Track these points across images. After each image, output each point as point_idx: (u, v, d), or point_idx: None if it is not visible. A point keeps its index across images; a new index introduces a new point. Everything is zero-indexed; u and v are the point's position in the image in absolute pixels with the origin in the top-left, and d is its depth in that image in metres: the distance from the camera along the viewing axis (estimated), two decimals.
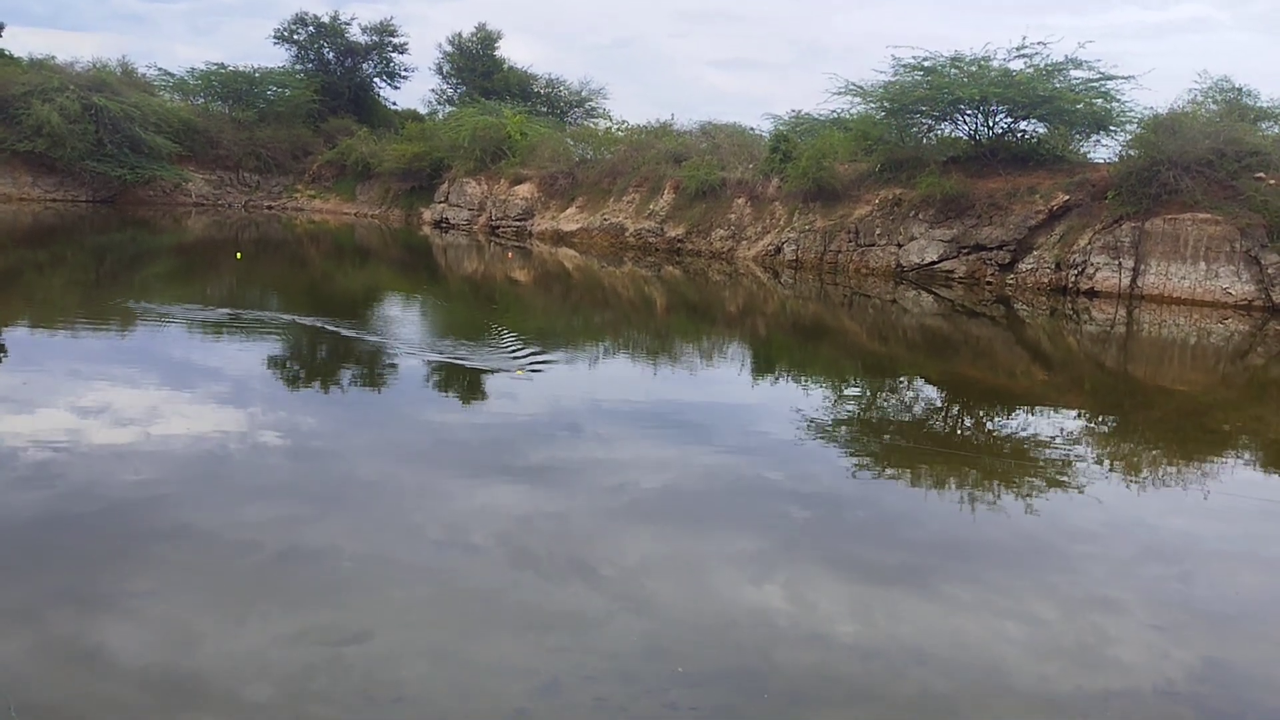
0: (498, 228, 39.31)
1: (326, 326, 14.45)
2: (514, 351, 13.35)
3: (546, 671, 4.83)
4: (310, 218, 43.31)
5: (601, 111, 50.17)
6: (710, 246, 33.12)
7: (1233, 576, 6.70)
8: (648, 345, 16.50)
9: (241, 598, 5.43)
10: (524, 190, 39.51)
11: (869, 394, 13.29)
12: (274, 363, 12.46)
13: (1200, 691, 5.06)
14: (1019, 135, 30.09)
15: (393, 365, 12.57)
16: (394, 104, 53.29)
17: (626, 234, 35.22)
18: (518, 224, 38.94)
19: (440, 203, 42.00)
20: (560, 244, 35.81)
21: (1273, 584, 6.67)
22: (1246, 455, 10.82)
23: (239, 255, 26.29)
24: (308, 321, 15.26)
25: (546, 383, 11.81)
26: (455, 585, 5.74)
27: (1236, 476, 9.67)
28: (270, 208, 45.72)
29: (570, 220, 37.36)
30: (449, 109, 49.43)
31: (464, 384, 11.75)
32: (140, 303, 16.71)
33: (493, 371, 12.07)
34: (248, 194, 46.34)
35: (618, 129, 42.17)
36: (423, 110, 52.24)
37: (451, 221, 40.97)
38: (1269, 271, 24.06)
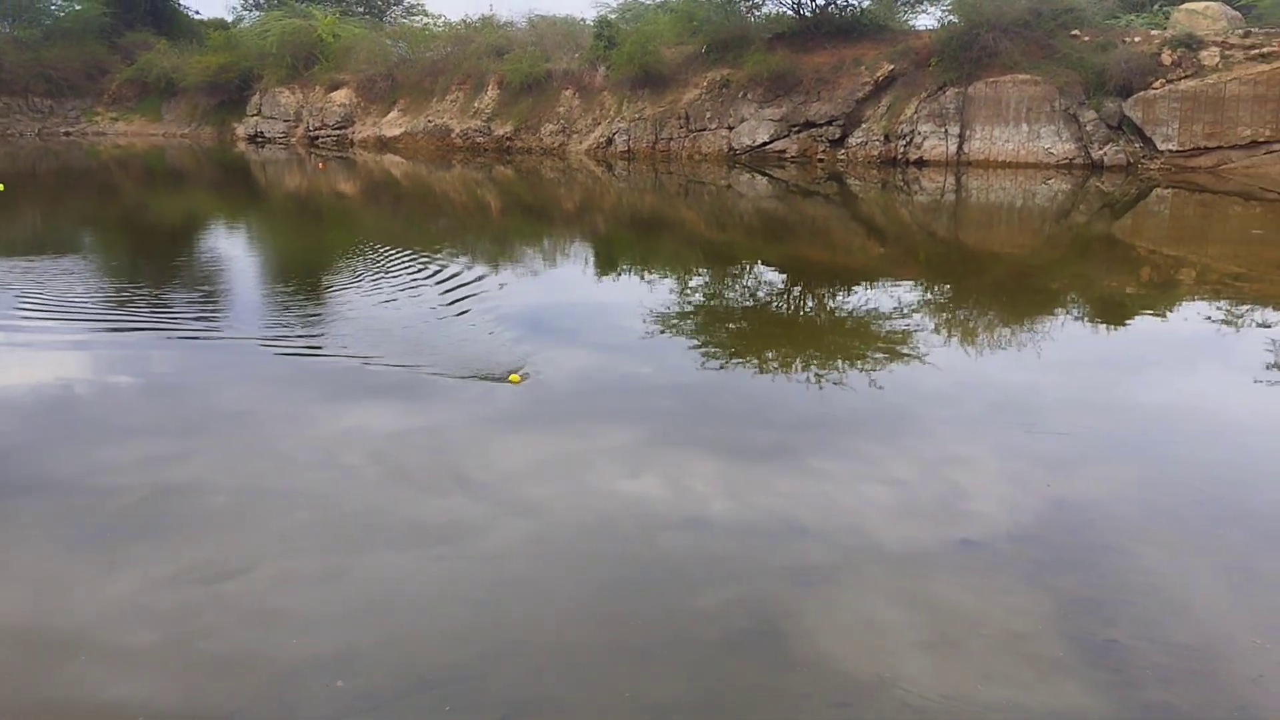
0: (317, 138, 37.92)
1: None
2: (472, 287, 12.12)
3: (436, 583, 4.86)
4: (115, 142, 40.83)
5: (420, 8, 48.48)
6: (540, 143, 32.72)
7: (1072, 424, 7.17)
8: (488, 251, 16.30)
9: (110, 544, 5.25)
10: (341, 96, 38.10)
11: (716, 283, 13.50)
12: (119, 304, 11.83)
13: (1049, 533, 5.44)
14: (843, 7, 30.45)
15: (239, 292, 12.10)
16: (197, 12, 50.18)
17: (453, 135, 34.46)
18: (337, 133, 37.62)
19: (253, 116, 40.17)
20: (384, 151, 34.82)
21: (1107, 426, 7.16)
22: (1074, 310, 11.48)
23: (0, 187, 23.49)
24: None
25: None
26: (333, 508, 5.67)
27: (1067, 331, 10.29)
28: (68, 134, 42.89)
29: (393, 125, 36.30)
30: (256, 14, 46.88)
31: (311, 306, 11.42)
32: None
33: (481, 379, 8.30)
34: (40, 121, 43.29)
35: (435, 24, 40.88)
36: (229, 18, 49.41)
37: (267, 135, 39.30)
38: (1087, 129, 25.21)
